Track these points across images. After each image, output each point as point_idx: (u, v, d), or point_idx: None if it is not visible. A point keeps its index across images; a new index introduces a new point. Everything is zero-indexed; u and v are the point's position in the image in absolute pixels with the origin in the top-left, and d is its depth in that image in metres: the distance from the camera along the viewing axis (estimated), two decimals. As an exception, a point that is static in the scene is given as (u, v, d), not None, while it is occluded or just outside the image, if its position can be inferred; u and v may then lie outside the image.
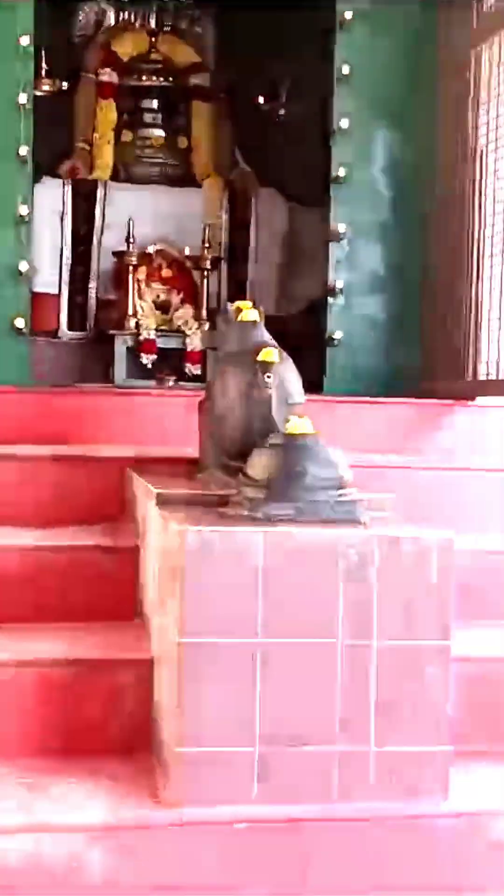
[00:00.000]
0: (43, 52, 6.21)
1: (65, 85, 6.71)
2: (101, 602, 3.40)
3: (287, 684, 2.70)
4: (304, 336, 5.54)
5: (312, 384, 4.56)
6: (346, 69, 5.16)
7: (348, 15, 5.15)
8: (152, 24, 7.07)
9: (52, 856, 2.60)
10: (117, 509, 3.83)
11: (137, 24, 7.07)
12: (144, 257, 6.29)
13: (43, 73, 6.39)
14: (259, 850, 2.67)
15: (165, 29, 7.07)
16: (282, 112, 6.94)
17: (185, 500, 3.15)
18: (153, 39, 6.97)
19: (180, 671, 2.67)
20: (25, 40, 4.93)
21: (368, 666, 2.73)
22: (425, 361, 5.10)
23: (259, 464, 2.96)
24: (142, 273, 6.27)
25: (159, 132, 6.92)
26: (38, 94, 5.86)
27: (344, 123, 5.16)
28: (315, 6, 5.42)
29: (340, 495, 2.89)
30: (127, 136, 6.86)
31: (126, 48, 6.90)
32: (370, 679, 2.73)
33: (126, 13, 7.08)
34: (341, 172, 5.18)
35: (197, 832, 2.65)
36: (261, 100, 6.96)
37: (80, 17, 7.08)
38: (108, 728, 2.99)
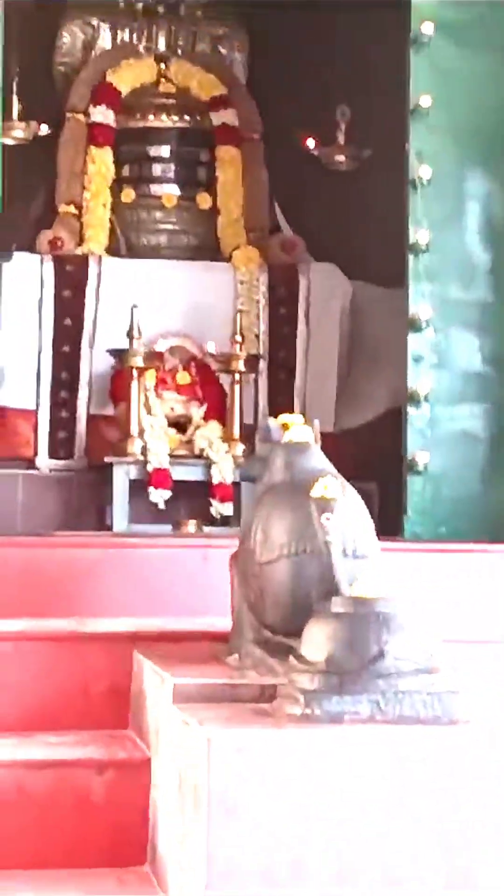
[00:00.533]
0: (14, 87, 6.36)
1: (44, 129, 6.84)
2: (99, 839, 3.35)
3: None
4: (375, 461, 5.55)
5: (388, 526, 4.53)
6: (425, 100, 5.25)
7: (427, 28, 5.25)
8: (161, 45, 7.24)
9: None
10: (119, 706, 3.80)
11: (141, 47, 7.24)
12: (154, 357, 6.31)
13: (14, 113, 6.53)
14: None
15: (179, 52, 7.25)
16: (339, 159, 7.04)
17: (212, 693, 3.13)
18: (163, 66, 7.15)
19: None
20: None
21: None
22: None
23: (317, 640, 2.94)
24: (150, 379, 6.29)
25: (172, 189, 7.02)
26: (8, 142, 5.96)
27: (424, 172, 5.23)
28: (381, 15, 5.52)
29: (432, 684, 2.86)
30: (128, 194, 6.97)
31: (127, 79, 7.06)
32: None
33: (126, 32, 7.25)
34: (422, 237, 5.23)
35: None
36: (310, 143, 7.06)
37: (65, 40, 7.24)
38: None
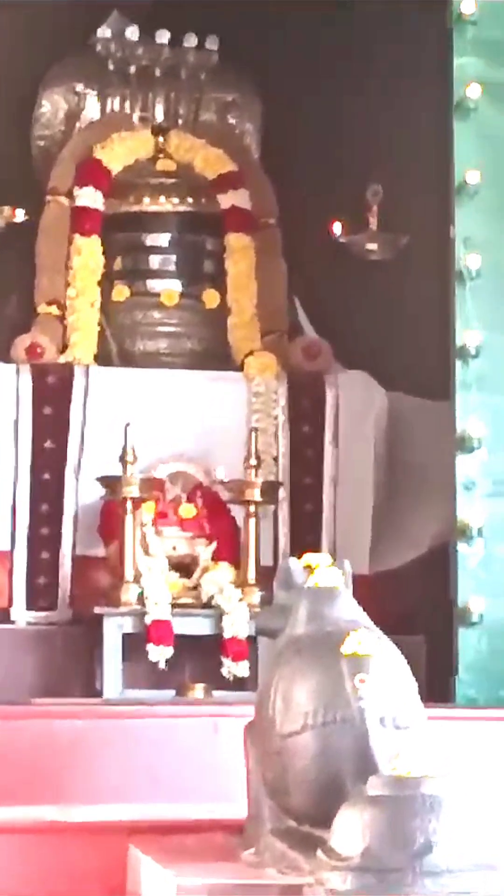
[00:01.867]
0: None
1: (20, 214, 6.88)
2: None
3: None
4: (419, 609, 5.54)
5: (436, 689, 4.52)
6: (472, 176, 5.33)
7: (473, 91, 5.33)
8: (159, 115, 7.35)
9: None
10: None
11: (136, 117, 7.33)
12: (152, 486, 6.33)
13: (-11, 199, 6.61)
14: None
15: (180, 122, 7.35)
16: (371, 247, 7.06)
17: (225, 894, 3.11)
18: (161, 140, 7.24)
19: None
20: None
21: None
22: None
23: (350, 830, 2.94)
24: (148, 512, 6.30)
25: (173, 284, 7.08)
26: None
27: (473, 262, 5.30)
28: (420, 78, 5.60)
29: (494, 884, 2.85)
30: (121, 292, 7.03)
31: (118, 155, 7.14)
32: None
33: (117, 100, 7.32)
34: (472, 339, 5.28)
35: None
36: (337, 229, 7.11)
37: (44, 110, 7.33)
38: None
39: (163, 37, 7.22)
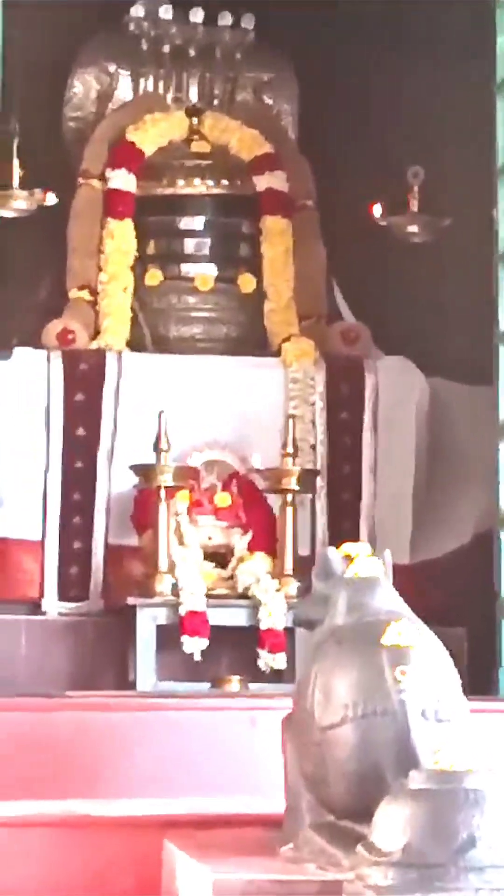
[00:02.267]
0: (15, 148, 6.45)
1: (51, 198, 6.87)
2: None
3: None
4: (461, 600, 5.53)
5: (479, 681, 4.51)
6: (515, 158, 5.32)
7: (518, 71, 5.33)
8: (193, 96, 7.35)
9: None
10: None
11: (169, 98, 7.33)
12: (187, 474, 6.34)
13: (15, 180, 6.59)
14: None
15: (215, 103, 7.35)
16: (412, 230, 7.05)
17: (262, 891, 3.12)
18: (195, 121, 7.23)
19: None
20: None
21: None
22: None
23: (392, 824, 2.93)
24: (183, 500, 6.31)
25: (208, 268, 7.08)
26: (8, 214, 6.03)
27: (519, 244, 5.29)
28: (461, 59, 5.58)
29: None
30: (155, 276, 7.02)
31: (151, 136, 7.13)
32: None
33: (150, 80, 7.32)
34: (516, 323, 5.27)
35: None
36: (377, 211, 7.10)
37: (76, 90, 7.32)
38: None
39: (197, 15, 7.21)
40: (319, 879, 3.16)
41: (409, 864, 2.86)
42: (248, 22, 7.24)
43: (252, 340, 6.94)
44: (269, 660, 5.98)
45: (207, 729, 4.51)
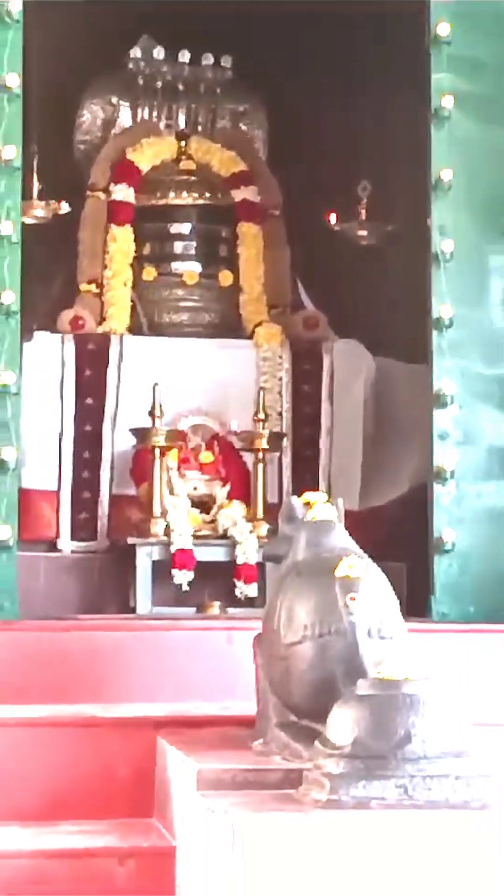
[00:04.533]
0: (35, 165, 6.42)
1: (64, 207, 6.86)
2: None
3: None
4: (401, 539, 5.53)
5: (415, 606, 4.52)
6: (446, 174, 5.30)
7: (447, 101, 5.30)
8: (181, 123, 7.29)
9: None
10: (143, 794, 3.80)
11: (161, 125, 7.27)
12: (176, 436, 6.31)
13: (34, 193, 6.58)
14: None
15: (199, 129, 7.29)
16: (361, 234, 7.05)
17: (237, 779, 3.13)
18: (183, 144, 7.18)
19: None
20: (10, 152, 5.12)
21: None
22: None
23: (342, 724, 2.93)
24: (173, 458, 6.29)
25: (193, 266, 7.04)
26: (29, 221, 6.00)
27: (447, 247, 5.28)
28: (398, 92, 5.56)
29: (461, 767, 2.85)
30: (150, 273, 6.98)
31: (147, 156, 7.10)
32: None
33: (146, 110, 7.28)
34: (446, 312, 5.26)
35: None
36: (332, 218, 7.10)
37: (84, 118, 7.28)
38: None
39: (184, 56, 7.19)
40: (284, 769, 3.18)
41: (356, 756, 2.86)
42: (226, 62, 7.21)
43: (230, 326, 6.90)
44: (244, 589, 5.98)
45: (193, 645, 4.53)
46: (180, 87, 7.30)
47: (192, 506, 6.25)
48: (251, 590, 5.97)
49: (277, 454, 6.47)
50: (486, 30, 5.35)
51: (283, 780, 3.09)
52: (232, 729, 3.71)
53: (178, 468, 6.32)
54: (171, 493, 6.22)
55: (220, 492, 6.32)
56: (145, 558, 6.06)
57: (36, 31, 5.23)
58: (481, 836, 2.71)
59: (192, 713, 3.93)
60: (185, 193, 7.11)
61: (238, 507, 6.24)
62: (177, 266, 7.04)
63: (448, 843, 2.70)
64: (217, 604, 5.96)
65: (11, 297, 5.05)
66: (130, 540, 6.17)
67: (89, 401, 6.48)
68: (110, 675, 4.33)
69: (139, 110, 7.31)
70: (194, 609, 5.94)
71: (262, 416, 6.31)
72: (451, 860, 2.68)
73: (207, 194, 7.11)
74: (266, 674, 3.53)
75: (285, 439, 6.53)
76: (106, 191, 7.01)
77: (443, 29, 5.32)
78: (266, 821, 2.70)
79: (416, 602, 4.66)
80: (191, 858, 3.18)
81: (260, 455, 6.32)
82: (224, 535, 6.17)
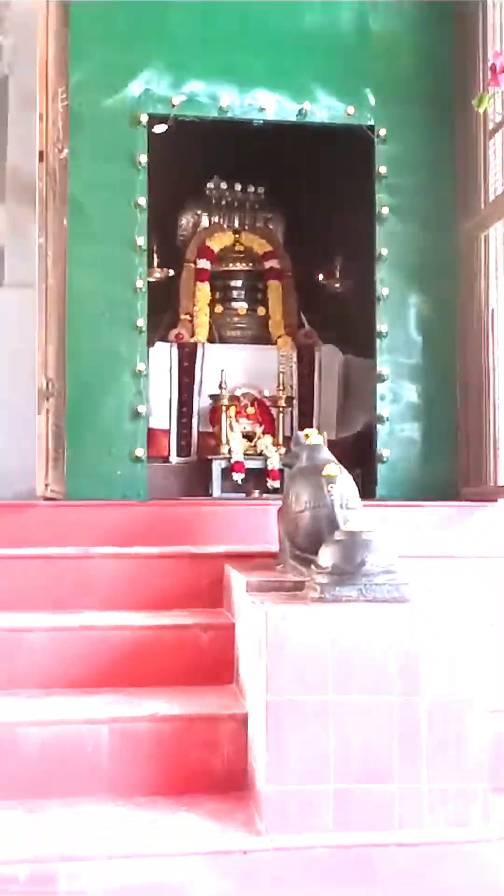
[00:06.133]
0: (155, 249, 6.38)
1: (171, 272, 6.86)
2: (206, 669, 3.37)
3: (354, 733, 2.64)
4: (359, 454, 5.54)
5: (367, 492, 4.52)
6: (384, 251, 5.25)
7: (384, 210, 5.26)
8: (236, 224, 7.21)
9: (168, 878, 2.53)
10: (218, 595, 3.81)
11: (225, 226, 7.19)
12: (234, 399, 6.32)
13: (155, 263, 6.55)
14: (335, 871, 2.57)
15: (246, 227, 7.20)
16: (337, 286, 7.05)
17: (268, 586, 3.15)
18: (237, 236, 7.10)
19: (267, 724, 2.63)
20: (142, 241, 5.08)
21: (419, 717, 2.66)
22: (457, 472, 5.05)
23: (327, 555, 2.95)
24: (232, 411, 6.28)
25: (243, 304, 6.98)
26: (151, 280, 6.00)
27: (384, 292, 5.24)
28: (359, 204, 5.51)
29: (393, 579, 2.87)
30: (218, 308, 6.93)
31: (217, 243, 7.04)
32: (421, 728, 2.66)
33: (216, 217, 7.19)
34: (384, 329, 5.24)
35: (285, 856, 2.57)
36: (320, 277, 7.07)
37: (182, 222, 7.23)
38: (213, 771, 2.93)
39: (236, 186, 7.14)
40: (294, 580, 3.18)
41: (334, 573, 2.88)
42: (259, 189, 7.19)
43: (262, 338, 6.84)
44: (272, 483, 5.99)
45: (244, 514, 4.54)
46: (235, 204, 7.21)
47: (243, 437, 6.26)
48: (276, 484, 5.97)
49: (290, 409, 6.43)
50: (409, 169, 5.27)
51: (293, 586, 3.11)
52: (265, 559, 3.73)
53: (236, 417, 6.32)
54: (231, 430, 6.23)
55: (259, 430, 6.32)
56: (217, 466, 6.08)
57: (152, 168, 5.17)
58: (404, 615, 2.72)
59: (244, 551, 3.95)
60: (238, 264, 7.04)
61: (269, 438, 6.24)
62: (234, 304, 6.98)
63: (385, 621, 2.71)
64: (257, 492, 5.97)
65: (142, 322, 5.06)
66: (209, 457, 6.16)
67: (185, 380, 6.47)
68: (199, 529, 4.36)
69: (212, 217, 7.22)
70: (244, 495, 5.94)
71: (281, 388, 6.29)
72: (387, 630, 2.70)
73: (250, 264, 7.04)
74: (283, 529, 3.55)
75: (294, 401, 6.49)
76: (194, 262, 6.94)
77: (382, 169, 5.25)
78: (284, 609, 2.72)
79: (367, 490, 4.66)
80: (242, 630, 3.22)
81: (280, 409, 6.31)
82: (261, 454, 6.15)
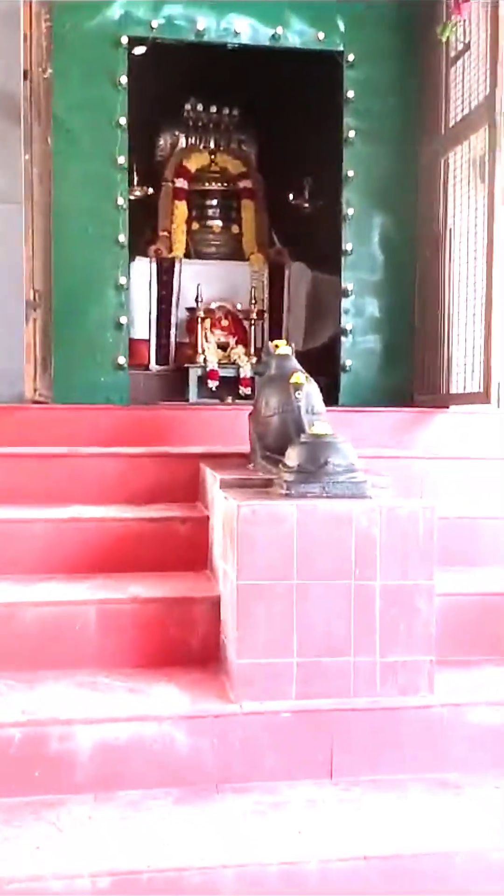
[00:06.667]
0: (135, 168, 6.19)
1: (150, 191, 6.67)
2: (183, 556, 3.41)
3: (315, 613, 2.70)
4: (324, 364, 5.53)
5: (330, 399, 4.53)
6: (350, 173, 5.13)
7: (351, 134, 5.11)
8: (212, 145, 6.98)
9: (151, 737, 2.61)
10: (194, 491, 3.83)
11: (202, 146, 6.97)
12: (209, 312, 6.25)
13: (135, 182, 6.35)
14: (298, 734, 2.67)
15: (221, 148, 6.98)
16: (306, 206, 6.88)
17: (240, 483, 3.16)
18: (213, 156, 6.90)
19: (238, 605, 2.68)
20: (122, 159, 4.94)
21: (374, 599, 2.72)
22: (413, 381, 5.06)
23: (293, 456, 2.96)
24: (207, 323, 6.22)
25: (218, 222, 6.82)
26: (132, 197, 5.83)
27: (350, 212, 5.14)
28: (328, 127, 5.36)
29: (353, 477, 2.89)
30: (195, 225, 6.78)
31: (193, 163, 6.83)
32: (375, 609, 2.72)
33: (193, 138, 6.97)
34: (349, 247, 5.15)
35: (253, 720, 2.66)
36: (291, 197, 6.90)
37: (161, 142, 6.99)
38: (190, 647, 3.00)
39: (212, 108, 6.88)
40: (264, 478, 3.19)
41: (300, 472, 2.90)
42: (234, 111, 6.93)
43: (237, 255, 6.70)
44: (244, 391, 5.94)
45: (218, 418, 4.53)
46: (211, 125, 6.95)
47: (218, 348, 6.20)
48: (247, 391, 5.93)
49: (261, 322, 6.36)
50: (375, 94, 5.10)
51: (263, 483, 3.12)
52: (238, 459, 3.73)
53: (211, 328, 6.25)
54: (206, 341, 6.17)
55: (232, 340, 6.26)
56: (194, 374, 6.02)
57: (132, 90, 4.98)
58: (361, 509, 2.75)
59: (218, 451, 3.95)
60: (214, 183, 6.84)
61: (241, 348, 6.18)
62: (209, 222, 6.81)
63: (344, 513, 2.74)
64: (230, 398, 5.94)
65: (123, 238, 4.94)
66: (186, 365, 6.10)
67: (164, 293, 6.37)
68: (177, 432, 4.36)
69: (189, 138, 6.98)
70: (218, 400, 5.91)
71: (253, 302, 6.21)
72: (346, 522, 2.73)
73: (225, 184, 6.85)
74: (254, 431, 3.55)
75: (265, 314, 6.41)
76: (172, 181, 6.75)
77: (349, 94, 5.09)
78: (254, 503, 2.73)
79: (331, 397, 4.65)
80: (216, 522, 3.24)
81: (252, 322, 6.24)
82: (234, 363, 6.09)
